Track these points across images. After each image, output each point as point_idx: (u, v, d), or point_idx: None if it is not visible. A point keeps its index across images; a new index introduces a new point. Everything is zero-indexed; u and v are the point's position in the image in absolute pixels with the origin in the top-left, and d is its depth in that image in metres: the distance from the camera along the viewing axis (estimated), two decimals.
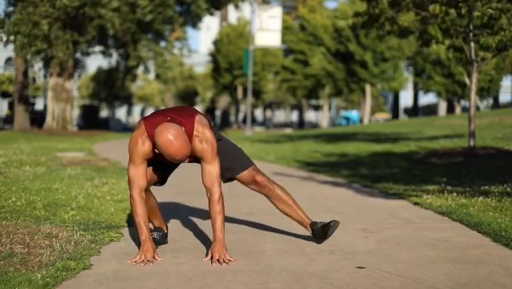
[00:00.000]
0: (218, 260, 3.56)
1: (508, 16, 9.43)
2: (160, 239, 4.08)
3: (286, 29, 44.12)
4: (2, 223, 4.50)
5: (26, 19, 24.35)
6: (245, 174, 4.04)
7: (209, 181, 3.70)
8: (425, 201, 5.82)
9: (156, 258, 3.64)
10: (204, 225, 4.86)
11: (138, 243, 4.07)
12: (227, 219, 5.01)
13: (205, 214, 5.35)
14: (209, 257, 3.65)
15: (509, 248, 3.96)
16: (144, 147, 3.66)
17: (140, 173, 3.71)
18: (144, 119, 3.74)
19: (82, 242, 3.98)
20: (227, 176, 4.01)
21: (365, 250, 3.96)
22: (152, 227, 4.15)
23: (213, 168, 3.70)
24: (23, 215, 4.86)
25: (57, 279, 3.14)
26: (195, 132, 3.66)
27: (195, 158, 3.77)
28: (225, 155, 3.89)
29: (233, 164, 4.00)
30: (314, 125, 58.81)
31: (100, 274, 3.32)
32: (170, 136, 3.46)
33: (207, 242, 4.16)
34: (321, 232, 4.02)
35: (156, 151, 3.59)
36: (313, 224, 4.11)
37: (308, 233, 4.28)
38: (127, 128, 44.09)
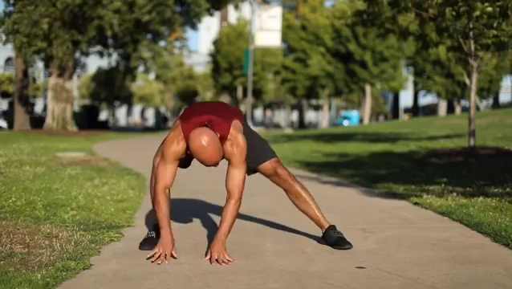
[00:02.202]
0: (217, 260, 3.57)
1: (507, 17, 9.43)
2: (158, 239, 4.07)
3: (287, 28, 44.17)
4: (2, 223, 4.50)
5: (26, 18, 24.35)
6: (268, 165, 4.10)
7: (232, 185, 3.75)
8: (425, 201, 5.82)
9: (174, 254, 3.65)
10: (204, 225, 4.86)
11: (138, 243, 4.07)
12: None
13: (205, 214, 5.35)
14: (208, 257, 3.65)
15: (510, 248, 3.96)
16: (178, 147, 3.72)
17: (169, 172, 3.77)
18: (181, 119, 3.77)
19: (82, 242, 3.98)
20: (252, 166, 4.05)
21: (365, 250, 3.96)
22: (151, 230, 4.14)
23: (238, 172, 3.75)
24: (23, 215, 4.86)
25: (57, 279, 3.14)
26: (229, 136, 3.71)
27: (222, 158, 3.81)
28: (252, 144, 3.92)
29: (258, 154, 4.05)
30: (308, 126, 58.83)
31: (100, 274, 3.32)
32: (203, 143, 3.53)
33: (207, 242, 4.16)
34: (333, 240, 4.02)
35: (188, 152, 3.66)
36: (330, 228, 4.11)
37: (310, 232, 4.29)
38: (125, 129, 44.00)
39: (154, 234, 4.06)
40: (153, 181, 4.00)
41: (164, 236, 3.68)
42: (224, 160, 3.78)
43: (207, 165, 3.64)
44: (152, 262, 3.58)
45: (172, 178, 3.78)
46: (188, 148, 3.65)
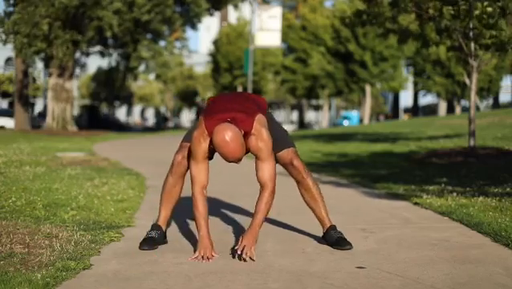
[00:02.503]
0: (243, 251, 3.59)
1: (507, 17, 9.43)
2: (159, 238, 4.07)
3: (288, 27, 44.16)
4: (2, 223, 4.50)
5: (27, 19, 24.34)
6: (285, 154, 4.10)
7: (264, 177, 3.75)
8: (425, 201, 5.82)
9: (214, 254, 3.67)
10: None
11: (138, 243, 4.07)
12: (227, 219, 5.02)
13: None
14: (239, 244, 3.67)
15: (510, 248, 3.95)
16: (205, 144, 3.75)
17: (202, 171, 3.79)
18: (204, 116, 3.78)
19: (82, 242, 3.98)
20: None
21: (365, 250, 3.96)
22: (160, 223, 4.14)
23: (267, 165, 3.76)
24: (23, 215, 4.86)
25: (57, 279, 3.14)
26: (253, 131, 3.72)
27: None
28: (272, 133, 3.91)
29: (276, 142, 4.04)
30: (307, 125, 58.82)
31: (100, 274, 3.32)
32: (227, 138, 3.55)
33: None
34: (333, 240, 4.02)
35: (211, 146, 3.69)
36: (331, 228, 4.12)
37: (310, 232, 4.29)
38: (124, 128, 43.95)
39: (154, 234, 4.06)
40: (170, 178, 4.07)
41: (203, 238, 3.70)
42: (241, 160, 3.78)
43: (229, 161, 3.64)
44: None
45: (206, 177, 3.81)
46: (211, 142, 3.67)
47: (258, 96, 4.11)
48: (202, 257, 3.63)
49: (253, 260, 3.60)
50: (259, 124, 3.75)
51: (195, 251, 3.73)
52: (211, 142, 3.68)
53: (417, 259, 3.70)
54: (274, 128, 4.03)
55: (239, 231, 4.57)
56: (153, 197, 6.45)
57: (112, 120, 51.25)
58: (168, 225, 4.26)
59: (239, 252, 3.60)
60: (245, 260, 3.59)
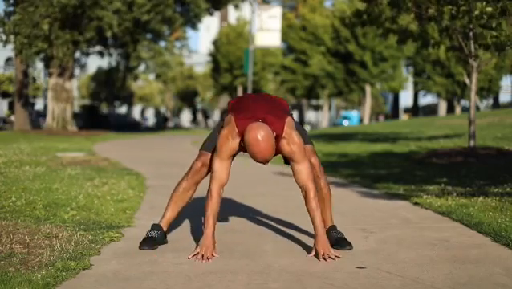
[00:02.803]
0: (324, 256, 3.60)
1: (506, 17, 9.43)
2: (159, 238, 4.06)
3: (288, 27, 44.17)
4: (2, 223, 4.50)
5: (27, 19, 24.34)
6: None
7: (302, 180, 3.76)
8: (425, 201, 5.82)
9: (214, 254, 3.67)
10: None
11: (138, 243, 4.07)
12: (227, 219, 5.02)
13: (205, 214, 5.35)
14: (312, 253, 3.69)
15: (510, 248, 3.95)
16: (233, 143, 3.75)
17: (224, 169, 3.80)
18: (234, 115, 3.77)
19: (82, 242, 3.98)
20: None
21: (365, 250, 3.96)
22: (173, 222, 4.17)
23: (303, 167, 3.77)
24: (23, 215, 4.86)
25: (57, 279, 3.14)
26: (284, 134, 3.73)
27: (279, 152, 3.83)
28: None
29: None
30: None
31: (100, 274, 3.32)
32: (259, 137, 3.55)
33: None
34: (334, 241, 4.02)
35: (242, 144, 3.69)
36: (331, 228, 4.13)
37: (310, 232, 4.26)
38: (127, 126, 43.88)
39: (154, 234, 4.06)
40: (184, 182, 4.10)
41: (206, 237, 3.71)
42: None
43: (258, 161, 3.63)
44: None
45: (227, 176, 3.82)
46: (242, 140, 3.67)
47: (280, 98, 4.10)
48: (202, 256, 3.63)
49: (338, 257, 3.62)
50: (289, 128, 3.76)
51: (196, 248, 3.73)
52: (241, 141, 3.68)
53: (417, 259, 3.70)
54: (296, 126, 4.04)
55: (239, 231, 4.57)
56: (153, 197, 6.46)
57: (127, 119, 50.40)
58: (170, 226, 4.25)
59: (321, 259, 3.61)
60: (331, 258, 3.60)
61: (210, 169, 3.98)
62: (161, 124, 61.11)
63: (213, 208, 3.76)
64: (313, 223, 3.75)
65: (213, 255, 3.66)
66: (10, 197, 5.67)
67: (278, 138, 3.71)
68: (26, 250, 3.76)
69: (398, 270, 3.44)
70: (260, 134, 3.55)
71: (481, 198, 5.76)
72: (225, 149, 3.76)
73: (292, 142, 3.74)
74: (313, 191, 3.76)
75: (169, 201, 4.19)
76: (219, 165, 3.79)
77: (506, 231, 4.24)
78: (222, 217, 5.20)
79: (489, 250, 3.96)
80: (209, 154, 4.05)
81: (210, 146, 4.04)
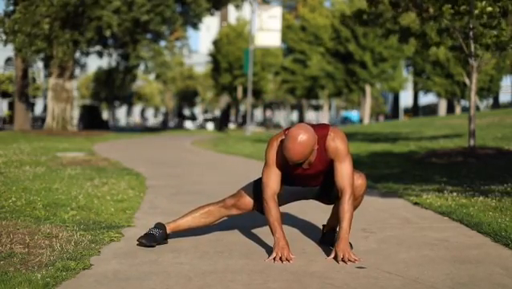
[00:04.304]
0: (343, 259, 3.58)
1: (507, 17, 9.43)
2: (159, 237, 4.05)
3: (287, 28, 44.15)
4: (2, 223, 4.50)
5: (27, 18, 24.34)
6: None
7: (342, 181, 3.74)
8: (425, 201, 5.82)
9: (291, 256, 3.65)
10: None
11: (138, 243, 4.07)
12: (227, 219, 5.02)
13: None
14: (332, 255, 3.67)
15: (509, 248, 3.96)
16: (279, 150, 3.74)
17: (273, 176, 3.77)
18: (284, 130, 3.82)
19: (82, 242, 3.98)
20: None
21: (365, 250, 3.96)
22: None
23: (346, 167, 3.75)
24: (23, 215, 4.86)
25: (57, 279, 3.14)
26: (329, 132, 3.74)
27: (321, 171, 3.81)
28: None
29: None
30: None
31: (100, 274, 3.32)
32: (299, 137, 3.54)
33: (207, 242, 4.17)
34: (334, 240, 4.00)
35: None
36: (332, 229, 4.13)
37: (310, 232, 4.27)
38: (125, 129, 43.95)
39: (155, 232, 4.04)
40: (210, 208, 4.08)
41: (279, 239, 3.69)
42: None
43: (287, 156, 3.58)
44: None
45: (277, 183, 3.78)
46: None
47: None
48: (280, 258, 3.61)
49: (358, 260, 3.59)
50: (335, 130, 3.79)
51: (274, 253, 3.67)
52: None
53: (417, 259, 3.70)
54: None
55: (239, 231, 4.57)
56: (153, 197, 6.46)
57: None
58: (175, 233, 4.23)
59: (341, 262, 3.58)
60: (351, 261, 3.57)
61: (239, 213, 4.02)
62: (167, 124, 61.12)
63: (273, 214, 3.73)
64: (340, 225, 3.73)
65: (290, 256, 3.64)
66: (10, 197, 5.67)
67: (323, 138, 3.71)
68: (26, 250, 3.76)
69: (398, 270, 3.44)
70: (301, 135, 3.54)
71: (481, 198, 5.76)
72: (272, 155, 3.76)
73: (337, 138, 3.74)
74: (349, 194, 3.72)
75: (189, 213, 4.16)
76: (266, 175, 3.78)
77: (506, 231, 4.24)
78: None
79: (489, 250, 3.96)
80: (246, 199, 4.02)
81: (250, 189, 4.02)
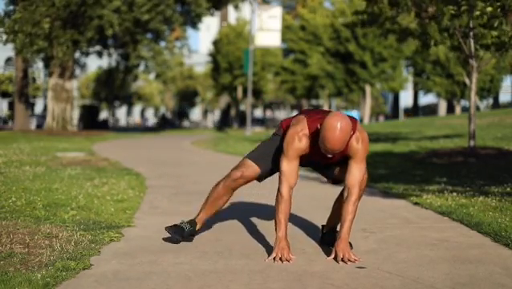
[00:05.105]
0: (343, 259, 3.58)
1: (508, 18, 9.43)
2: (187, 233, 4.06)
3: (286, 28, 44.13)
4: (2, 223, 4.50)
5: (28, 18, 24.34)
6: None
7: (352, 181, 3.74)
8: (425, 201, 5.82)
9: (291, 256, 3.64)
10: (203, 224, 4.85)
11: (138, 243, 4.07)
12: (227, 219, 5.02)
13: None
14: (332, 256, 3.66)
15: (510, 248, 3.96)
16: (300, 143, 3.71)
17: (293, 170, 3.75)
18: (305, 115, 3.76)
19: (82, 242, 3.98)
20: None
21: (365, 250, 3.96)
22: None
23: (359, 169, 3.75)
24: (23, 215, 4.86)
25: (57, 279, 3.14)
26: (356, 131, 3.70)
27: (342, 158, 3.80)
28: None
29: None
30: None
31: (100, 274, 3.31)
32: (338, 125, 3.49)
33: (207, 242, 4.16)
34: (334, 240, 4.00)
35: (308, 150, 3.67)
36: (332, 229, 4.13)
37: (310, 232, 4.27)
38: (127, 129, 43.98)
39: (187, 227, 4.05)
40: (220, 188, 4.04)
41: (280, 239, 3.68)
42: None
43: (325, 148, 3.54)
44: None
45: (295, 177, 3.75)
46: (311, 141, 3.65)
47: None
48: (280, 259, 3.60)
49: (357, 260, 3.58)
50: (360, 128, 3.75)
51: (274, 252, 3.66)
52: (311, 141, 3.65)
53: (417, 259, 3.70)
54: None
55: (239, 231, 4.57)
56: (153, 197, 6.46)
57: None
58: (202, 226, 4.24)
59: (341, 262, 3.58)
60: (350, 261, 3.57)
61: (247, 182, 4.00)
62: (174, 123, 61.15)
63: (284, 211, 3.72)
64: (341, 224, 3.73)
65: (290, 257, 3.63)
66: (10, 197, 5.67)
67: (351, 134, 3.69)
68: (26, 250, 3.76)
69: (398, 270, 3.44)
70: (341, 122, 3.49)
71: (481, 198, 5.76)
72: (292, 150, 3.71)
73: (362, 140, 3.73)
74: (356, 196, 3.72)
75: (205, 203, 4.16)
76: (287, 166, 3.73)
77: (506, 231, 4.24)
78: (222, 216, 5.20)
79: (489, 250, 3.96)
80: (251, 166, 3.99)
81: (255, 156, 4.01)
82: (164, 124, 57.02)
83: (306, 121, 3.72)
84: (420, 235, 4.43)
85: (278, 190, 3.75)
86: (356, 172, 3.74)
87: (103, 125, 39.05)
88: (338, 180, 4.04)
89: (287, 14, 49.38)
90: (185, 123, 58.51)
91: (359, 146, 3.73)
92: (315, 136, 3.64)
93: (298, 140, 3.70)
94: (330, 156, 3.65)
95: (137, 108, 72.71)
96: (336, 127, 3.47)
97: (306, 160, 3.84)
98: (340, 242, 3.65)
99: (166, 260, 3.66)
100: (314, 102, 61.72)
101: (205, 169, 10.17)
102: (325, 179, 4.22)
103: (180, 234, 4.04)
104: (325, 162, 3.90)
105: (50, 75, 28.62)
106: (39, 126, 29.87)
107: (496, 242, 4.14)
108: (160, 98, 64.79)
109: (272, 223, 4.86)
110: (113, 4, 25.09)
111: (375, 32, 12.10)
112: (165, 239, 4.17)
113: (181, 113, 67.30)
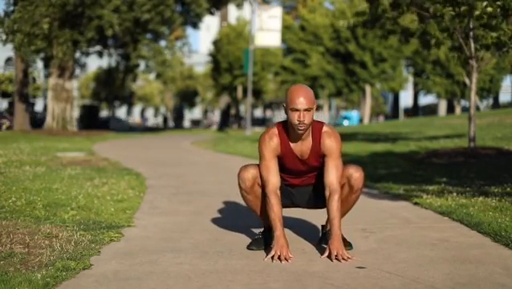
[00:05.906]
0: (337, 257, 3.60)
1: (508, 18, 9.43)
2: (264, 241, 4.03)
3: (286, 28, 44.14)
4: (2, 223, 4.50)
5: (27, 18, 24.35)
6: None
7: (332, 178, 3.78)
8: (425, 201, 5.82)
9: (290, 255, 3.64)
10: (204, 224, 4.86)
11: (138, 243, 4.07)
12: (227, 219, 5.02)
13: (205, 214, 5.35)
14: (326, 254, 3.68)
15: (510, 248, 3.95)
16: (272, 142, 3.82)
17: (271, 170, 3.80)
18: (276, 122, 3.96)
19: (82, 242, 3.98)
20: None
21: (365, 250, 3.96)
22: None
23: (336, 166, 3.81)
24: (23, 215, 4.86)
25: (57, 279, 3.14)
26: (324, 128, 3.84)
27: (316, 158, 3.86)
28: None
29: None
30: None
31: (100, 274, 3.32)
32: (301, 85, 3.78)
33: (207, 242, 4.17)
34: None
35: (281, 150, 3.79)
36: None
37: (310, 232, 4.27)
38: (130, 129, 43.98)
39: (261, 236, 4.05)
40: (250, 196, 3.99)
41: (278, 238, 3.69)
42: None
43: (300, 102, 3.67)
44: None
45: (276, 176, 3.80)
46: (281, 143, 3.80)
47: None
48: (279, 257, 3.61)
49: (351, 259, 3.60)
50: (329, 126, 3.88)
51: (272, 251, 3.66)
52: (282, 141, 3.79)
53: (417, 259, 3.70)
54: None
55: (239, 231, 4.57)
56: (153, 197, 6.46)
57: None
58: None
59: (334, 260, 3.60)
60: (344, 259, 3.58)
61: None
62: (177, 122, 61.14)
63: (275, 210, 3.74)
64: (331, 222, 3.76)
65: (289, 255, 3.63)
66: (10, 197, 5.67)
67: (319, 131, 3.81)
68: (26, 250, 3.76)
69: (398, 270, 3.44)
70: (302, 85, 3.75)
71: (481, 198, 5.76)
72: (267, 150, 3.81)
73: (333, 136, 3.83)
74: (338, 193, 3.77)
75: (265, 206, 3.95)
76: (264, 170, 3.81)
77: (506, 231, 4.24)
78: (222, 216, 5.21)
79: (489, 250, 3.96)
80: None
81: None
82: (165, 124, 57.12)
83: (275, 124, 3.89)
84: (420, 235, 4.43)
85: (266, 194, 3.79)
86: (333, 170, 3.79)
87: (104, 125, 39.06)
88: (317, 205, 4.08)
89: (287, 14, 49.35)
90: (185, 123, 58.55)
91: (332, 142, 3.81)
92: (285, 133, 3.81)
93: (269, 139, 3.82)
94: (305, 157, 3.77)
95: (137, 108, 72.73)
96: (298, 85, 3.77)
97: (282, 169, 3.87)
98: (333, 240, 3.67)
99: (166, 260, 3.66)
100: None
101: (205, 169, 10.18)
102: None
103: (261, 244, 3.98)
104: (299, 168, 3.89)
105: (50, 75, 28.62)
106: (33, 123, 29.80)
107: (496, 242, 4.14)
108: (160, 98, 64.78)
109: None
110: (112, 3, 25.08)
111: (376, 33, 12.09)
112: (165, 239, 4.17)
113: (179, 114, 67.27)
